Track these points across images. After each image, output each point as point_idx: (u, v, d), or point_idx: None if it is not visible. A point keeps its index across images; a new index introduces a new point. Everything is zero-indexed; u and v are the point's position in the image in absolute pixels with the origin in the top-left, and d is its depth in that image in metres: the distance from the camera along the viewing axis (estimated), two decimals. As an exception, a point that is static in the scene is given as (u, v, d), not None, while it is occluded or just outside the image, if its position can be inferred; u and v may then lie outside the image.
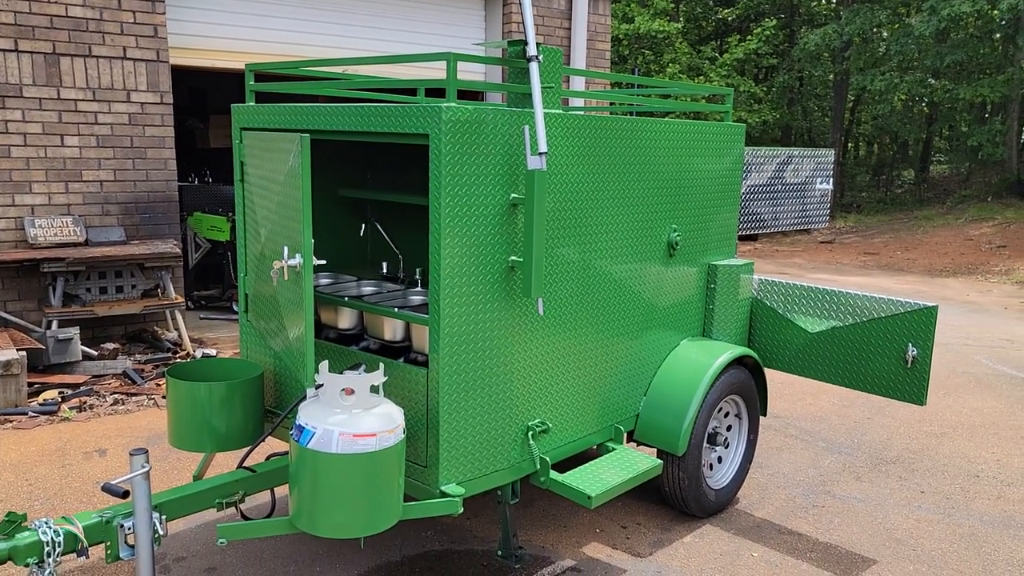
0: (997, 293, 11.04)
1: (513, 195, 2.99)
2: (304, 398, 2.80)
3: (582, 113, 3.44)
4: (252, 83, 3.56)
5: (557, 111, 3.22)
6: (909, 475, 4.75)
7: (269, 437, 3.38)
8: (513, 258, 3.02)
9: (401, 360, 3.24)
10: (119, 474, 4.38)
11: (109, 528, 2.71)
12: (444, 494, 2.95)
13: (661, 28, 20.01)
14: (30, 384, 5.66)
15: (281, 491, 3.98)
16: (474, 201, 2.88)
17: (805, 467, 4.82)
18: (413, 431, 3.01)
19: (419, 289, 3.65)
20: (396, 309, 3.21)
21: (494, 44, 3.78)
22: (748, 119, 20.86)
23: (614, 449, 3.66)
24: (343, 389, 2.68)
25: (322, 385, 2.70)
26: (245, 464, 3.18)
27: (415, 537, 3.80)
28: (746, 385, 4.14)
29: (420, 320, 3.10)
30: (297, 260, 2.73)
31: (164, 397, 5.64)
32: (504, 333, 3.07)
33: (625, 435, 3.81)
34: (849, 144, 29.04)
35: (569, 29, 9.33)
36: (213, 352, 6.66)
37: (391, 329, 3.28)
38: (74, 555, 2.66)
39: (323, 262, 2.92)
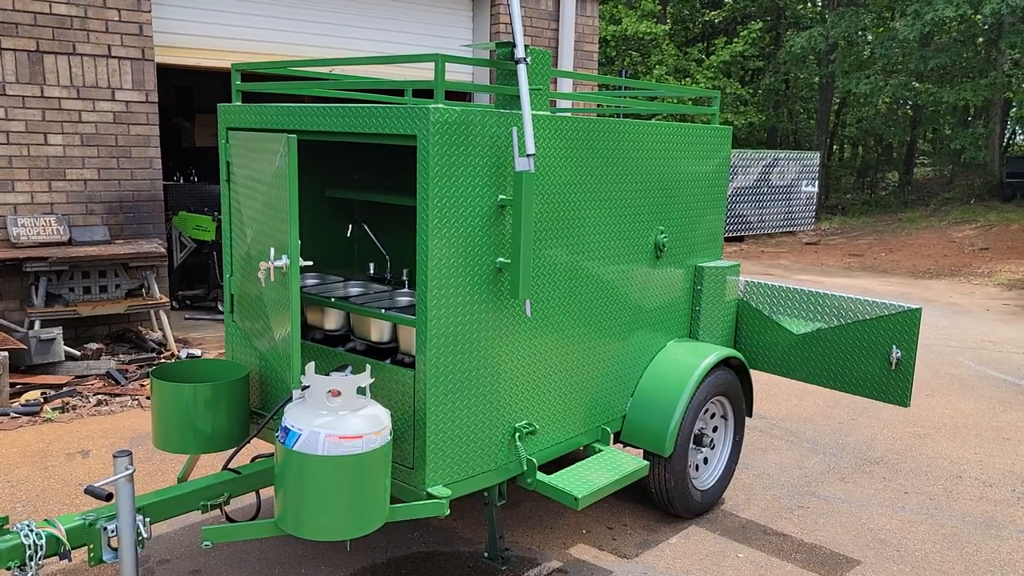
0: (980, 295, 11.14)
1: (501, 197, 2.99)
2: (290, 399, 2.79)
3: (570, 115, 3.44)
4: (239, 83, 3.54)
5: (545, 113, 3.23)
6: (893, 476, 4.78)
7: (255, 439, 3.36)
8: (501, 259, 3.02)
9: (388, 361, 3.24)
10: (102, 476, 4.35)
11: (92, 531, 2.68)
12: (431, 496, 2.95)
13: (648, 30, 20.07)
14: (12, 385, 5.60)
15: (266, 493, 3.96)
16: (462, 202, 2.88)
17: (790, 468, 4.85)
18: (400, 433, 3.00)
19: (406, 290, 3.64)
20: (383, 310, 3.21)
21: (482, 45, 3.78)
22: (734, 121, 20.96)
23: (601, 450, 3.67)
24: (329, 391, 2.67)
25: (308, 387, 2.69)
26: (230, 466, 3.16)
27: (402, 539, 3.79)
28: (732, 386, 4.15)
29: (407, 321, 3.10)
30: (283, 261, 2.72)
31: (148, 398, 5.60)
32: (491, 334, 3.07)
33: (612, 436, 3.82)
34: (834, 146, 29.25)
35: (557, 31, 9.34)
36: (198, 352, 6.62)
37: (378, 330, 3.27)
38: (56, 558, 2.63)
39: (310, 263, 2.91)
